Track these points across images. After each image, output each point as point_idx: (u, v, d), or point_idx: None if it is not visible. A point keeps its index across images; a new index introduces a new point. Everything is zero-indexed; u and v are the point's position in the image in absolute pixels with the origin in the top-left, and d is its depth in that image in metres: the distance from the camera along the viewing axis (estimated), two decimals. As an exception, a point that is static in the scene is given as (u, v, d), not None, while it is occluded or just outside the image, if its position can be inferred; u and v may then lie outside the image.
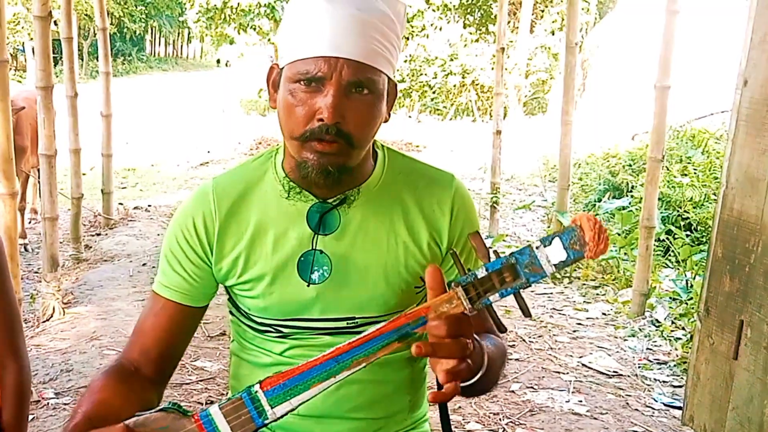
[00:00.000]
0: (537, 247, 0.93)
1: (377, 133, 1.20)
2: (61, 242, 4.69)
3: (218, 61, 31.55)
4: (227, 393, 1.41)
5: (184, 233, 1.23)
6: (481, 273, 0.95)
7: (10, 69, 4.43)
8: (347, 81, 1.08)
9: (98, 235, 5.73)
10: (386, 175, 1.25)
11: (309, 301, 1.21)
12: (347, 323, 1.23)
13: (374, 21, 1.09)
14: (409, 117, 14.63)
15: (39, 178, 4.72)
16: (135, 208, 6.73)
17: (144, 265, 4.92)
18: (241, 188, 1.24)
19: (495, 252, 0.95)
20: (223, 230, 1.22)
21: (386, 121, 1.19)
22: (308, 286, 1.20)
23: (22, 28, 19.98)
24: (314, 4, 1.09)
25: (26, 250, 5.25)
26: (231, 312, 1.34)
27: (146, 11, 31.80)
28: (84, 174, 5.54)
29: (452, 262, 1.26)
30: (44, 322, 3.82)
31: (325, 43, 1.07)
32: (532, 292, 4.43)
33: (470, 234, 0.97)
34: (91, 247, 5.34)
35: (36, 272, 4.69)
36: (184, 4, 17.95)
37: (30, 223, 5.89)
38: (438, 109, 15.30)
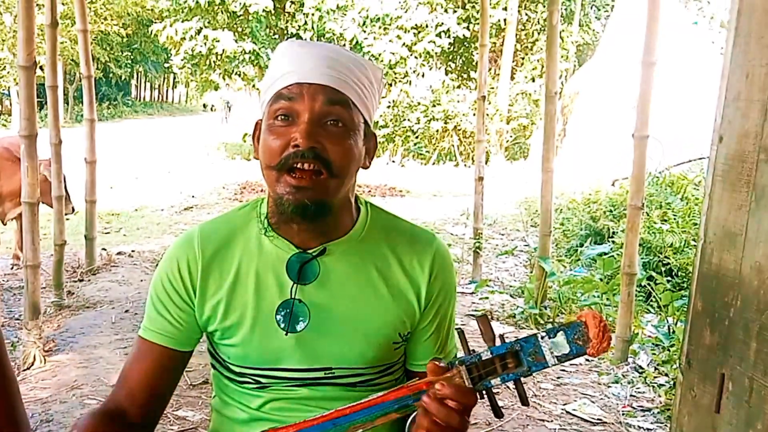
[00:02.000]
0: (542, 338, 0.97)
1: (356, 179, 1.23)
2: (43, 288, 4.64)
3: (204, 106, 31.74)
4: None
5: (169, 277, 1.25)
6: (486, 356, 0.98)
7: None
8: (320, 109, 1.14)
9: (81, 281, 5.68)
10: (368, 229, 1.27)
11: (287, 350, 1.22)
12: (324, 374, 1.24)
13: (347, 62, 1.17)
14: (393, 161, 14.75)
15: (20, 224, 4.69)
16: (118, 253, 6.69)
17: (126, 311, 4.87)
18: (225, 235, 1.26)
19: (501, 337, 0.98)
20: (205, 274, 1.24)
21: (366, 167, 1.22)
22: (286, 334, 1.22)
23: (8, 72, 20.05)
24: (290, 51, 1.18)
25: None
26: (212, 365, 1.34)
27: (132, 57, 32.08)
28: (67, 218, 5.52)
29: (428, 320, 1.28)
30: (24, 370, 3.77)
31: (295, 75, 1.15)
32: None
33: (478, 318, 1.00)
34: (73, 294, 5.29)
35: (17, 319, 4.63)
36: (170, 50, 18.11)
37: (12, 269, 5.85)
38: (421, 154, 15.44)
